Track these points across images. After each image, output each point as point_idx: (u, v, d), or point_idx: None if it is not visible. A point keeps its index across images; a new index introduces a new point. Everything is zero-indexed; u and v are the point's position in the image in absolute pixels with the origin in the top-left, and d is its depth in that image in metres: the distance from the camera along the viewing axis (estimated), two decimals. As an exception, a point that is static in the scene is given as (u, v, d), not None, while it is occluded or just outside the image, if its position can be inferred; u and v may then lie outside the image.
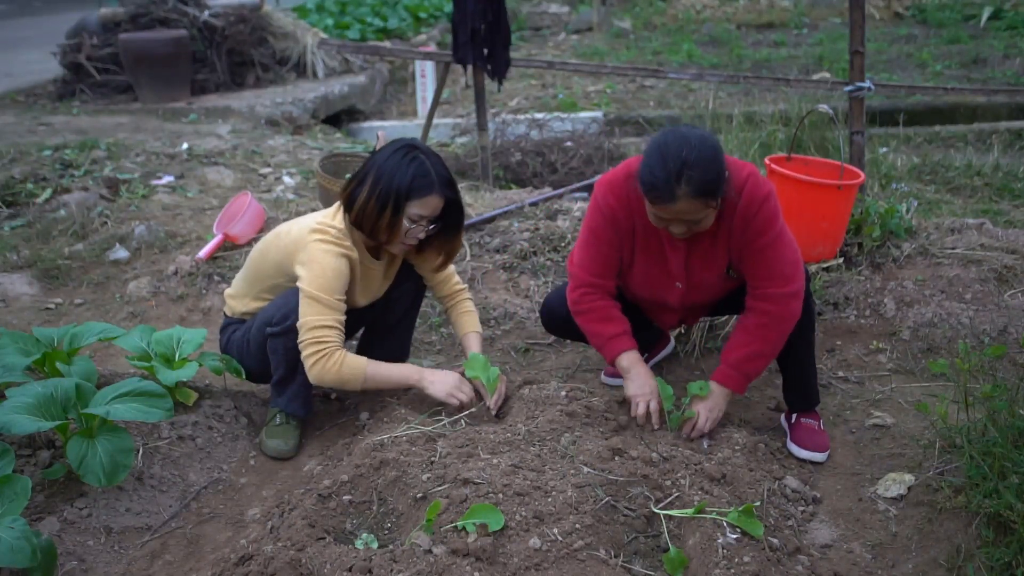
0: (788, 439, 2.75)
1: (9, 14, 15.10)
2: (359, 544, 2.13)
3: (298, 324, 2.62)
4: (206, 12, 8.16)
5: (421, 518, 2.11)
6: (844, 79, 4.49)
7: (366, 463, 2.37)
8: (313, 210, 4.07)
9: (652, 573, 2.05)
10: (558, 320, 2.96)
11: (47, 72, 8.56)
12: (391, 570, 1.94)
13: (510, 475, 2.20)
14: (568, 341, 3.46)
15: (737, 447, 2.56)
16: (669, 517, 2.17)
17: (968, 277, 3.43)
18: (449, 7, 8.47)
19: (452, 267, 3.00)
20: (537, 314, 3.58)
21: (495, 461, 2.27)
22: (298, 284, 2.63)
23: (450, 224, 2.75)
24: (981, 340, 3.21)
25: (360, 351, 3.07)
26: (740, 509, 2.13)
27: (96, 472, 2.27)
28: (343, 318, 2.65)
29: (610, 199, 2.55)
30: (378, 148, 2.80)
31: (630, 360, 2.68)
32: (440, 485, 2.20)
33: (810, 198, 3.33)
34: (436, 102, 5.61)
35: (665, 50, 10.72)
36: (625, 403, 2.69)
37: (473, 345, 2.95)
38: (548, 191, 4.87)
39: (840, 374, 3.19)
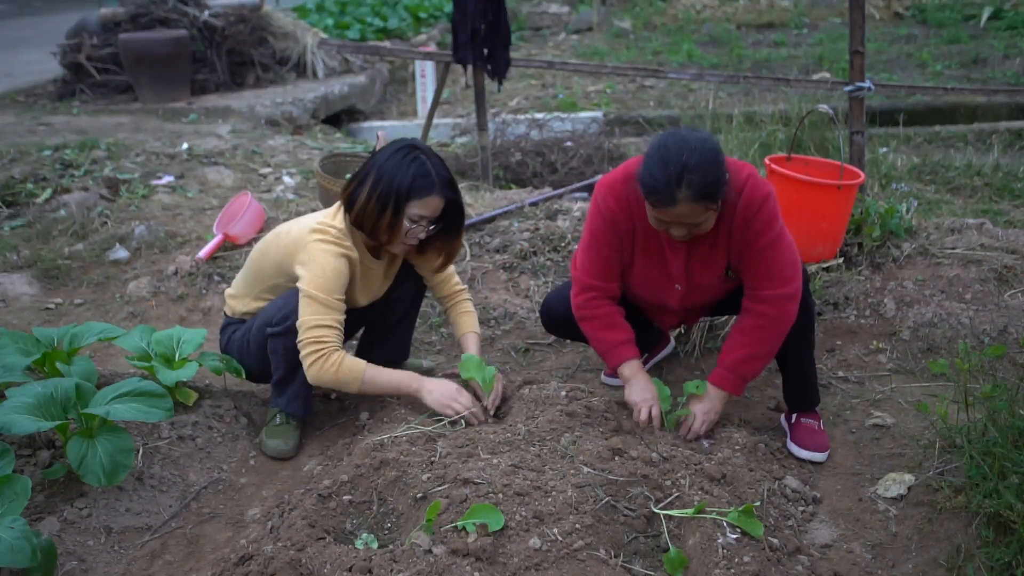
0: (788, 439, 2.75)
1: (9, 14, 15.10)
2: (359, 544, 2.13)
3: (297, 324, 2.62)
4: (206, 12, 8.16)
5: (421, 518, 2.11)
6: (844, 79, 4.49)
7: (366, 463, 2.37)
8: (313, 210, 4.07)
9: (652, 573, 2.05)
10: (558, 320, 2.96)
11: (47, 72, 8.56)
12: (391, 570, 1.94)
13: (510, 475, 2.20)
14: (568, 341, 3.46)
15: (737, 447, 2.56)
16: (669, 517, 2.17)
17: (968, 277, 3.43)
18: (449, 7, 8.47)
19: (452, 267, 3.00)
20: (537, 314, 3.59)
21: (495, 461, 2.27)
22: (298, 284, 2.64)
23: (450, 224, 2.76)
24: (981, 340, 3.21)
25: (360, 351, 3.07)
26: (740, 509, 2.13)
27: (96, 472, 2.27)
28: (342, 318, 2.65)
29: (610, 201, 2.55)
30: (378, 148, 2.80)
31: (632, 370, 2.70)
32: (440, 485, 2.20)
33: (810, 198, 3.33)
34: (436, 102, 5.61)
35: (665, 50, 10.72)
36: (625, 405, 2.70)
37: (470, 346, 2.94)
38: (548, 191, 4.86)
39: (840, 374, 3.19)
